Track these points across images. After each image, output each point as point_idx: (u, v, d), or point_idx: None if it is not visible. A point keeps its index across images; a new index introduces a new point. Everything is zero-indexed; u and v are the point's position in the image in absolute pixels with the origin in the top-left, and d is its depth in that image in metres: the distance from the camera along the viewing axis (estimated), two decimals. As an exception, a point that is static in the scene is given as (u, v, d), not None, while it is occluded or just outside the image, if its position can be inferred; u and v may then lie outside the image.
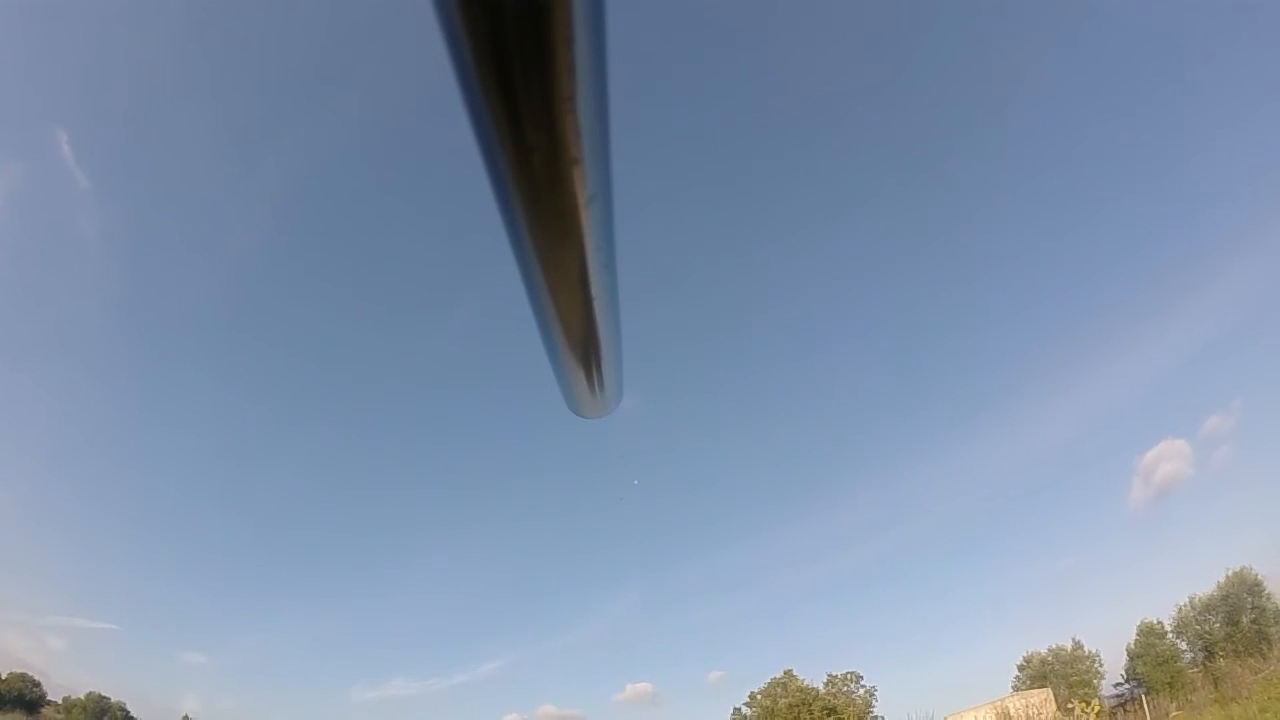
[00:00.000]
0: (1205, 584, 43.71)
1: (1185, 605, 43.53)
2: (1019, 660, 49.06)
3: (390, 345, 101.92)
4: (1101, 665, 45.87)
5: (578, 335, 0.95)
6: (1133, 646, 44.70)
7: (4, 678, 54.52)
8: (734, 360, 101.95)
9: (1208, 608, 42.55)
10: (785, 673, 51.53)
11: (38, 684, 55.86)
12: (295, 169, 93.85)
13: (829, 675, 51.12)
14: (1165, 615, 44.60)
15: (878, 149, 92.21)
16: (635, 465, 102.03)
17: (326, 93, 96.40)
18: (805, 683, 50.26)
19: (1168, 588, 72.06)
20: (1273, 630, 39.56)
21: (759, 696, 51.90)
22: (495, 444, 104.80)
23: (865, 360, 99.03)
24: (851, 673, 51.20)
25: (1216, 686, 38.42)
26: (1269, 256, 72.94)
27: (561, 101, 0.60)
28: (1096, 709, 36.80)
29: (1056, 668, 45.94)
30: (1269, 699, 33.53)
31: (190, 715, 57.56)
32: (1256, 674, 36.75)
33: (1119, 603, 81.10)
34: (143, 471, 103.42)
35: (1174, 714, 38.92)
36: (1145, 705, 41.21)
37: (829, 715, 47.54)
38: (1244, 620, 40.78)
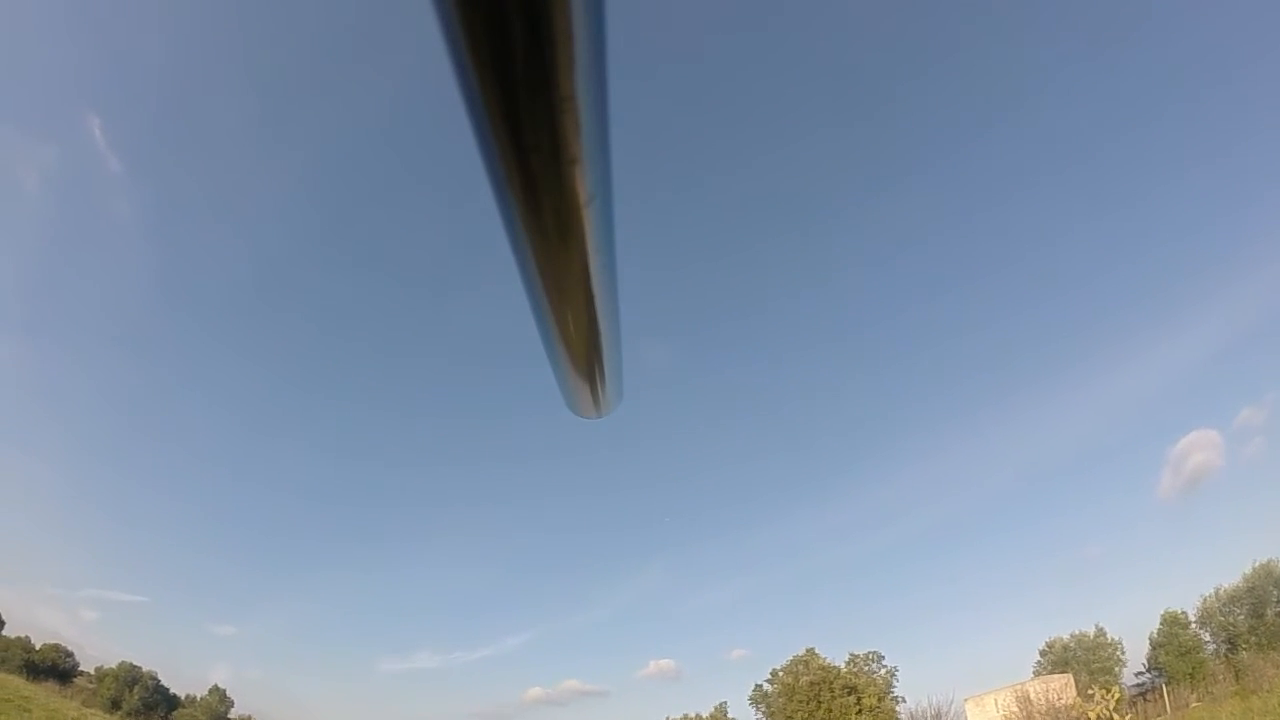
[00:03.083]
0: (1232, 575, 44.12)
1: (1210, 596, 43.98)
2: (1041, 645, 49.87)
3: (422, 320, 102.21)
4: (1124, 653, 46.71)
5: (578, 335, 0.94)
6: (1156, 636, 45.19)
7: (39, 648, 55.52)
8: (765, 339, 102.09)
9: (1233, 599, 42.94)
10: (807, 651, 52.49)
11: (70, 654, 56.91)
12: (321, 154, 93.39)
13: (851, 654, 52.17)
14: (1190, 606, 45.11)
15: (903, 134, 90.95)
16: (663, 444, 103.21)
17: (353, 82, 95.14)
18: (827, 661, 51.21)
19: (1193, 578, 73.85)
20: (1297, 625, 40.08)
21: (780, 674, 52.94)
22: (523, 420, 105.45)
23: (897, 342, 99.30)
24: (873, 652, 52.19)
25: (1238, 679, 39.03)
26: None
27: (561, 101, 0.59)
28: (1116, 696, 37.37)
29: (1078, 654, 46.72)
30: (1290, 692, 34.15)
31: (220, 684, 59.01)
32: (1279, 667, 37.35)
33: (1144, 592, 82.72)
34: (175, 446, 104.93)
35: (1194, 704, 39.67)
36: (1165, 695, 42.01)
37: (849, 694, 48.45)
38: (1269, 613, 41.24)
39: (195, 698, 57.66)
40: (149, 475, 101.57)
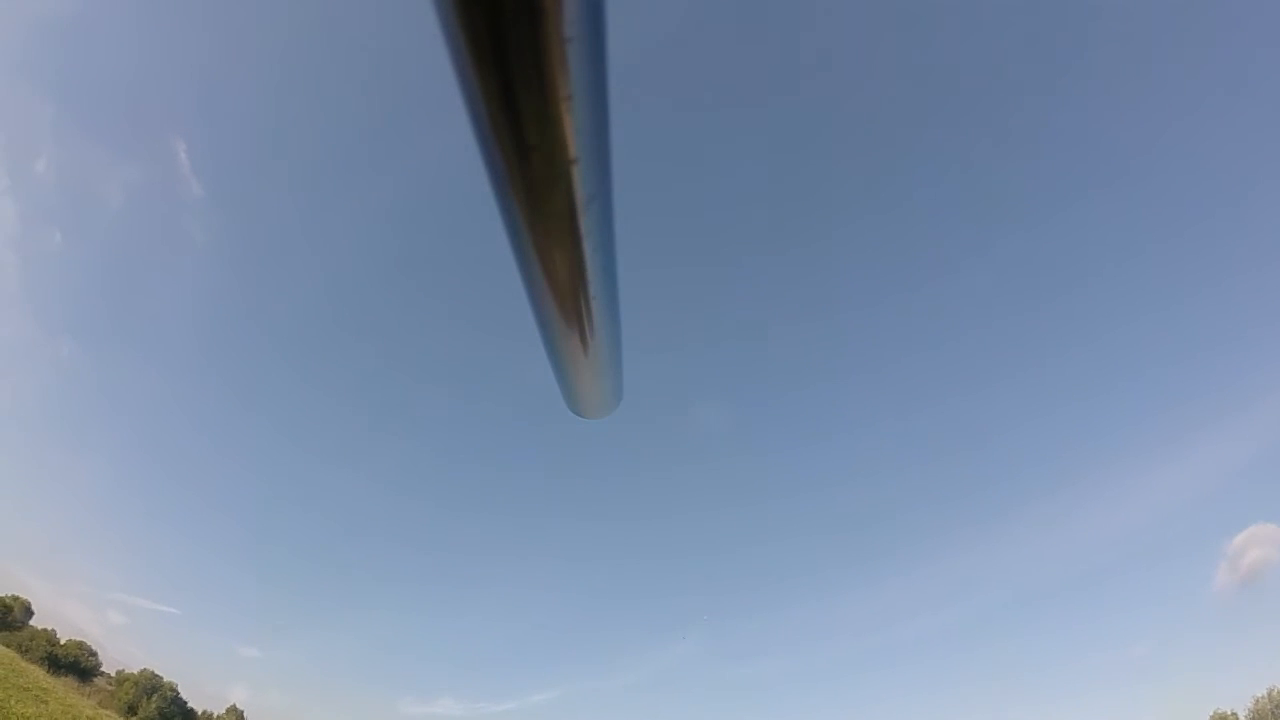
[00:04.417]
0: (1287, 676, 44.12)
1: (1263, 698, 43.91)
2: (1086, 743, 48.98)
3: (492, 368, 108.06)
4: (1172, 754, 45.94)
5: (578, 336, 0.96)
6: (1205, 737, 44.84)
7: (63, 643, 54.40)
8: (822, 421, 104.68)
9: (1286, 702, 43.02)
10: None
11: (94, 654, 55.54)
12: (401, 192, 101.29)
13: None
14: (1241, 706, 44.59)
15: (945, 228, 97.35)
16: (711, 516, 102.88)
17: (440, 120, 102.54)
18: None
19: (1246, 678, 72.63)
20: (1352, 729, 40.13)
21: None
22: (573, 482, 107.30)
23: (950, 434, 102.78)
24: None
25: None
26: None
27: (561, 101, 0.60)
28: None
29: (1126, 752, 45.99)
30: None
31: (238, 705, 57.00)
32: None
33: (1193, 691, 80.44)
34: (228, 463, 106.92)
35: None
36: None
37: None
38: (1323, 717, 41.32)
39: (212, 715, 55.69)
40: (197, 489, 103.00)
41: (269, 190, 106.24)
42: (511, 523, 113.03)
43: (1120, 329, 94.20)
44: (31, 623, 54.93)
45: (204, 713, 55.60)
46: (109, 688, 54.03)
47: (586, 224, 0.75)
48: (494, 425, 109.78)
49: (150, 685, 53.90)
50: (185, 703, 54.80)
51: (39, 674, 50.82)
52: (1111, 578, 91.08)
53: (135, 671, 54.77)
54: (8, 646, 50.81)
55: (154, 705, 52.62)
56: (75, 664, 53.74)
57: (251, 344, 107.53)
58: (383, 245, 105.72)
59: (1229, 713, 44.71)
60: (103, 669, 55.74)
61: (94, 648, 55.95)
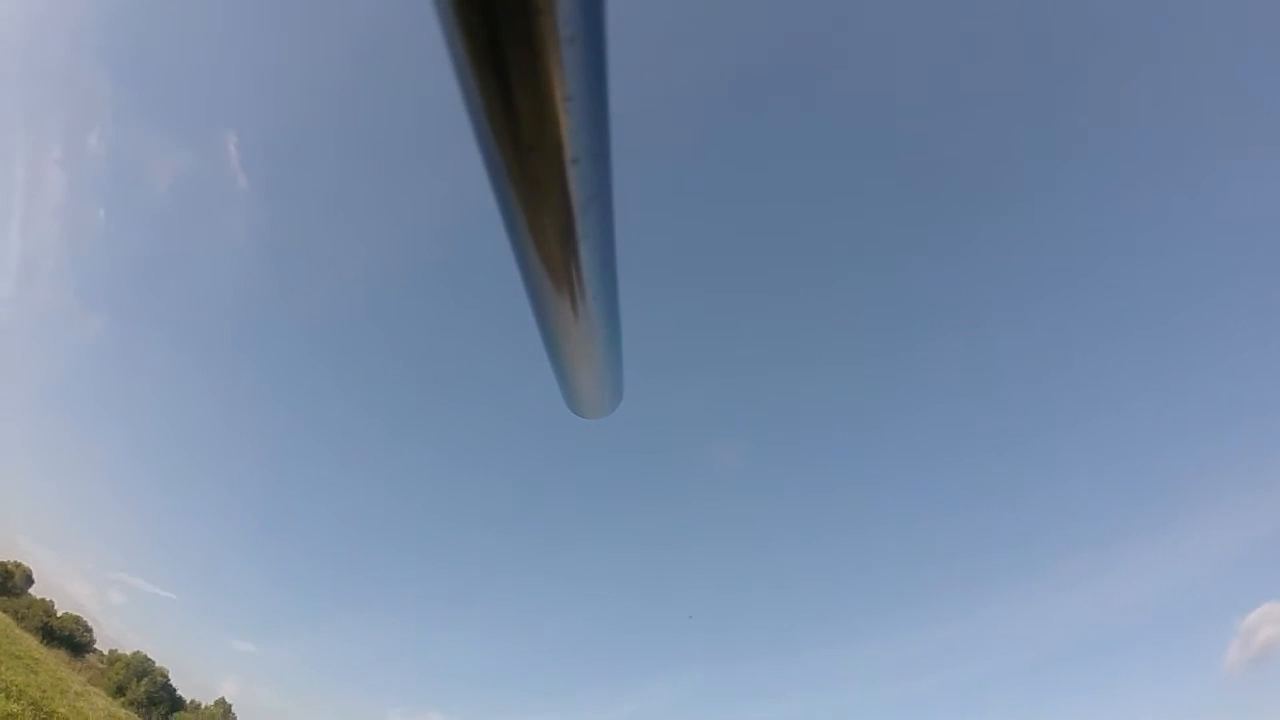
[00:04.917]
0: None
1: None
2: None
3: (520, 384, 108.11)
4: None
5: (578, 336, 0.95)
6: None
7: (59, 616, 53.59)
8: (842, 467, 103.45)
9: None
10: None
11: (89, 630, 54.59)
12: (447, 202, 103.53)
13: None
14: None
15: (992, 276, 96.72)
16: (718, 551, 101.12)
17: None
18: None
19: None
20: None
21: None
22: (586, 510, 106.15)
23: (958, 495, 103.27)
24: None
25: None
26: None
27: (558, 102, 0.60)
28: None
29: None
30: None
31: (226, 698, 55.82)
32: None
33: None
34: (243, 454, 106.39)
35: None
36: None
37: None
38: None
39: (200, 705, 54.47)
40: (210, 477, 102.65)
41: (311, 190, 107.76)
42: (520, 543, 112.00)
43: (1138, 402, 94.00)
44: (31, 591, 54.20)
45: (192, 702, 54.40)
46: (100, 665, 53.08)
47: (586, 224, 0.75)
48: (517, 445, 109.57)
49: (141, 668, 52.88)
50: (175, 689, 53.70)
51: (32, 643, 49.85)
52: (1123, 648, 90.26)
53: (128, 653, 53.81)
54: (4, 612, 50.10)
55: (143, 688, 51.51)
56: (70, 638, 52.86)
57: (278, 339, 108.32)
58: (408, 252, 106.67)
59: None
60: (96, 646, 54.87)
61: (90, 624, 55.17)
